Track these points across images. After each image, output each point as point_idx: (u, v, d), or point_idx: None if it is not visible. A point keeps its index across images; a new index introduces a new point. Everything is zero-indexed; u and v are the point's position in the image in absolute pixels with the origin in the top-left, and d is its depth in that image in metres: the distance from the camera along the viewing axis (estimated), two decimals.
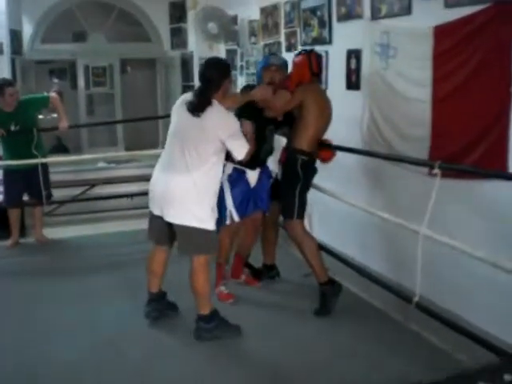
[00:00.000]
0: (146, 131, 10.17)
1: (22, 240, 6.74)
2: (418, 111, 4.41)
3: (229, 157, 4.29)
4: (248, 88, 4.83)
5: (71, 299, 4.98)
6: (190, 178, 3.92)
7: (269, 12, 6.91)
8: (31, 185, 6.48)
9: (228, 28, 7.93)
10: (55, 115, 6.96)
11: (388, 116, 4.78)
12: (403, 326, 4.42)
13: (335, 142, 4.85)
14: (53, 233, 6.98)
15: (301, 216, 4.66)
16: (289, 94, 4.56)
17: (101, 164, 9.00)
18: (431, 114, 4.30)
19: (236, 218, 4.79)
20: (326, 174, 4.92)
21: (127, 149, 9.78)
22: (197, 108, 3.95)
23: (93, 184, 8.02)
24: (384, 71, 4.76)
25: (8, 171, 6.47)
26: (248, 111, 4.47)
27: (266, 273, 5.27)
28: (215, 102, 4.00)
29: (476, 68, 3.90)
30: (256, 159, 4.64)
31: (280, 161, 4.83)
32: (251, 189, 4.84)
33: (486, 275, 3.76)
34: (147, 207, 4.29)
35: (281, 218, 4.93)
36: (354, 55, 5.23)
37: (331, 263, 4.98)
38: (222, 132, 3.96)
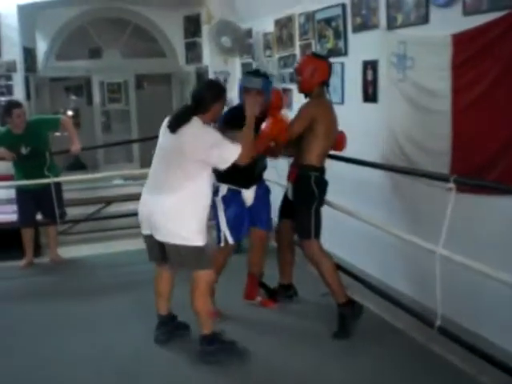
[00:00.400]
0: None
1: (38, 260, 6.66)
2: (437, 123, 4.25)
3: (223, 178, 4.28)
4: (231, 115, 4.58)
5: (84, 322, 4.86)
6: (175, 198, 3.86)
7: (283, 24, 6.79)
8: (44, 204, 6.40)
9: (242, 41, 7.84)
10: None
11: (406, 129, 4.62)
12: (426, 347, 4.22)
13: (351, 156, 4.72)
14: (68, 252, 6.90)
15: (318, 235, 4.50)
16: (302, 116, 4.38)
17: (117, 181, 8.91)
18: (451, 126, 4.14)
19: (230, 240, 4.65)
20: (340, 189, 4.77)
21: (143, 166, 9.67)
22: (173, 124, 3.88)
23: (109, 201, 7.92)
24: (401, 82, 4.62)
25: (21, 191, 6.39)
26: (239, 124, 4.17)
27: (283, 292, 5.09)
28: (194, 119, 3.88)
29: (497, 77, 3.74)
30: (250, 177, 4.59)
31: (289, 179, 4.66)
32: (247, 208, 4.72)
33: (510, 295, 3.58)
34: None
35: (296, 236, 4.76)
36: (370, 66, 5.08)
37: (349, 281, 4.83)
38: (200, 148, 3.82)
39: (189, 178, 3.85)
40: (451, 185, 3.57)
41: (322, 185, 4.51)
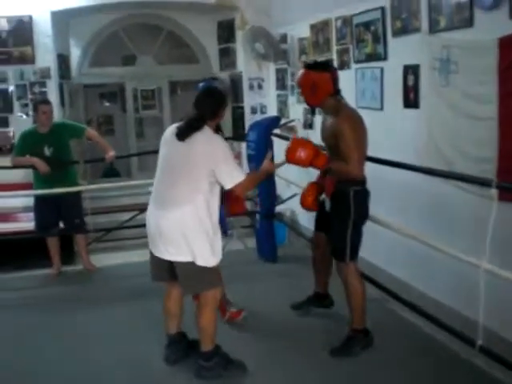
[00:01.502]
0: None
1: (71, 267, 6.67)
2: (482, 130, 4.10)
3: None
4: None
5: (101, 334, 4.82)
6: (181, 212, 3.70)
7: (319, 29, 6.67)
8: (63, 213, 6.38)
9: (277, 47, 7.74)
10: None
11: (449, 135, 4.47)
12: (468, 362, 4.05)
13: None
14: (101, 260, 6.91)
15: (354, 257, 4.25)
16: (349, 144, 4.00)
17: (151, 188, 8.83)
18: (498, 133, 3.97)
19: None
20: (376, 198, 4.63)
21: None
22: (184, 133, 3.77)
23: (142, 209, 7.84)
24: (444, 87, 4.46)
25: (39, 198, 6.37)
26: None
27: (317, 301, 4.92)
28: (205, 128, 3.80)
29: None
30: None
31: (326, 193, 4.42)
32: None
33: None
34: None
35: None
36: (411, 71, 4.93)
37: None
38: (212, 157, 3.72)
39: (199, 189, 3.71)
40: (493, 190, 3.42)
41: (363, 199, 4.21)
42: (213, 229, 3.79)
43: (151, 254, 3.97)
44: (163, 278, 4.05)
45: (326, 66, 4.31)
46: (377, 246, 5.30)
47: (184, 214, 3.69)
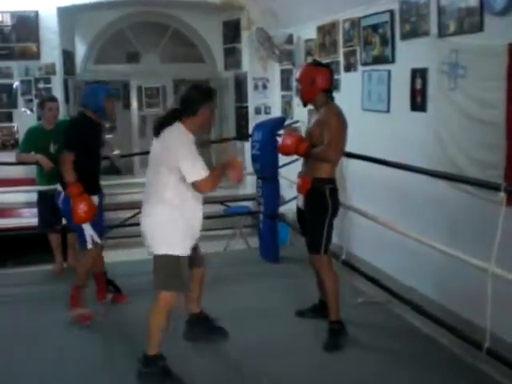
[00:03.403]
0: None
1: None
2: (490, 134, 4.09)
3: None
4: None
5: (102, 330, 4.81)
6: (156, 207, 3.78)
7: (326, 30, 6.68)
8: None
9: (282, 48, 7.73)
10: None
11: (456, 139, 4.47)
12: (473, 367, 4.04)
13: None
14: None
15: (327, 249, 4.43)
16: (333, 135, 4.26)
17: None
18: (505, 138, 3.97)
19: (98, 240, 4.84)
20: (381, 198, 4.65)
21: None
22: (156, 127, 3.83)
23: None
24: (452, 91, 4.46)
25: (41, 194, 6.35)
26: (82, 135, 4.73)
27: (324, 309, 4.91)
28: (176, 124, 3.81)
29: None
30: (96, 183, 4.99)
31: (300, 190, 4.54)
32: None
33: None
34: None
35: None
36: (419, 74, 4.93)
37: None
38: (173, 154, 3.69)
39: (166, 187, 3.74)
40: (502, 194, 3.42)
41: (336, 195, 4.43)
42: (185, 224, 3.81)
43: None
44: None
45: (326, 65, 4.58)
46: (379, 248, 5.32)
47: (158, 209, 3.77)
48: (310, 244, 4.49)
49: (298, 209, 4.65)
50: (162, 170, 3.73)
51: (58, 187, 4.85)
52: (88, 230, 4.74)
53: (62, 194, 4.78)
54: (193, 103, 3.81)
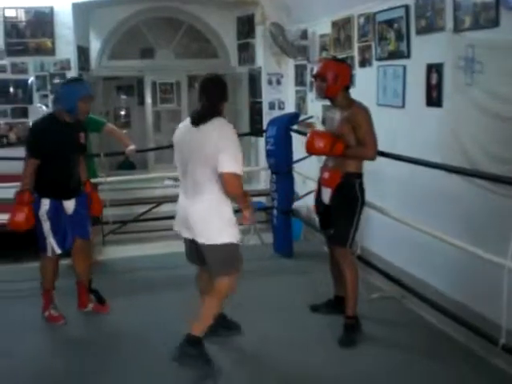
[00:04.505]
0: None
1: None
2: (507, 130, 4.06)
3: (44, 192, 4.59)
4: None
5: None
6: (209, 198, 3.84)
7: (341, 25, 6.66)
8: None
9: (297, 43, 7.72)
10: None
11: (473, 135, 4.44)
12: (488, 363, 4.04)
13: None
14: (114, 251, 6.97)
15: (351, 244, 4.46)
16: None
17: (167, 181, 8.86)
18: None
19: (57, 249, 4.76)
20: (396, 194, 4.62)
21: None
22: (202, 118, 3.85)
23: (159, 202, 7.85)
24: (469, 87, 4.43)
25: None
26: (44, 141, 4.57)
27: (338, 305, 4.90)
28: (218, 117, 3.89)
29: None
30: (68, 189, 4.76)
31: (328, 185, 4.52)
32: (69, 218, 4.79)
33: None
34: None
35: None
36: (434, 70, 4.91)
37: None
38: (220, 144, 3.74)
39: (215, 177, 3.79)
40: None
41: (364, 191, 4.46)
42: (231, 211, 3.92)
43: (184, 239, 4.13)
44: (195, 261, 4.20)
45: (345, 62, 4.70)
46: (392, 243, 5.31)
47: (210, 199, 3.84)
48: (336, 238, 4.50)
49: (321, 203, 4.64)
50: (209, 161, 3.75)
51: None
52: (49, 237, 4.71)
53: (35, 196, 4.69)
54: (219, 96, 3.93)
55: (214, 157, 3.71)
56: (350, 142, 4.30)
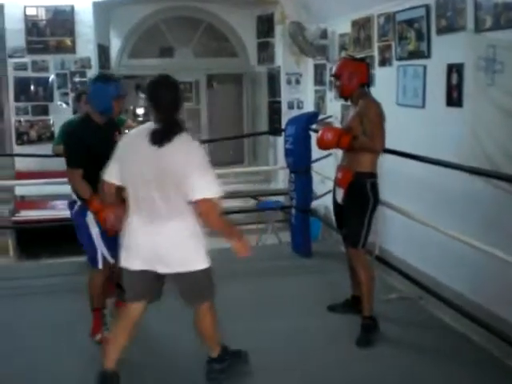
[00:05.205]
0: (230, 148, 10.06)
1: None
2: None
3: None
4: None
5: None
6: (183, 223, 3.41)
7: (361, 25, 6.65)
8: None
9: (316, 42, 7.72)
10: None
11: (494, 135, 4.42)
12: (506, 364, 4.00)
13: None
14: None
15: (365, 245, 4.41)
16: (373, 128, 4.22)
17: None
18: None
19: (110, 259, 4.18)
20: (415, 195, 4.60)
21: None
22: (165, 136, 3.29)
23: None
24: (489, 87, 4.42)
25: None
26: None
27: (355, 305, 4.89)
28: (183, 133, 3.36)
29: None
30: None
31: (340, 184, 4.48)
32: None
33: None
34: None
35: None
36: (455, 70, 4.89)
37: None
38: (189, 165, 3.28)
39: (185, 201, 3.34)
40: None
41: (377, 190, 4.40)
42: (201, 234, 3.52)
43: (135, 272, 3.53)
44: (145, 296, 3.65)
45: (362, 59, 4.65)
46: (410, 243, 5.29)
47: (185, 225, 3.42)
48: (348, 238, 4.49)
49: (336, 203, 4.63)
50: (179, 186, 3.30)
51: (73, 195, 4.23)
52: (100, 246, 4.18)
53: (76, 205, 4.21)
54: (178, 103, 3.41)
55: (183, 180, 3.27)
56: (360, 135, 4.28)
